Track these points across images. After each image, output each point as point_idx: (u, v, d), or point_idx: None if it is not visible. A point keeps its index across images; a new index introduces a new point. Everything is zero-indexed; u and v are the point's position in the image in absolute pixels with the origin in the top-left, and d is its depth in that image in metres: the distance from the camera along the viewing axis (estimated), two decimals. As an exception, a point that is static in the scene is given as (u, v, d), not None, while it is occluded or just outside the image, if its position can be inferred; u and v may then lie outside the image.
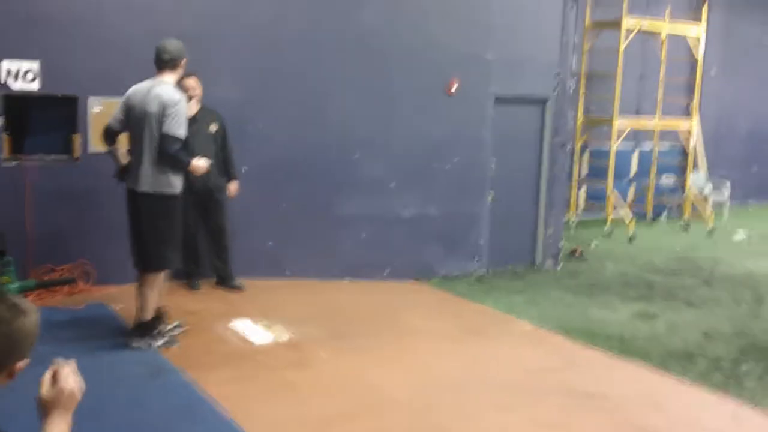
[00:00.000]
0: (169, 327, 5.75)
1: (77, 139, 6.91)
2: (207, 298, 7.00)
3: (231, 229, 7.35)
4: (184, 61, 5.51)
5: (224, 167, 7.06)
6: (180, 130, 5.30)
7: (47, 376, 2.12)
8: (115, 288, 6.95)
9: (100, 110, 6.91)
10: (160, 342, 5.57)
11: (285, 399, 4.82)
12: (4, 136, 6.65)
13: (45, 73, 6.68)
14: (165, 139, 5.27)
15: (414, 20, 8.29)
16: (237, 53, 7.37)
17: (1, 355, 2.06)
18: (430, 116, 8.45)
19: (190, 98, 6.38)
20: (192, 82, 6.56)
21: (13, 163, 6.71)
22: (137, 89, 5.48)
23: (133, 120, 5.43)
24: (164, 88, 5.38)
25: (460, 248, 8.86)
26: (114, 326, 6.01)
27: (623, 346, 6.36)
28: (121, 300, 6.61)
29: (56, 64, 6.72)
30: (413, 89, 8.32)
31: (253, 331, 6.10)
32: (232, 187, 7.18)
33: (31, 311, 2.14)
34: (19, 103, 6.71)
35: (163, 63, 5.44)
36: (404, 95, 8.28)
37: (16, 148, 6.80)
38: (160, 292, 5.68)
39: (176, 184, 5.45)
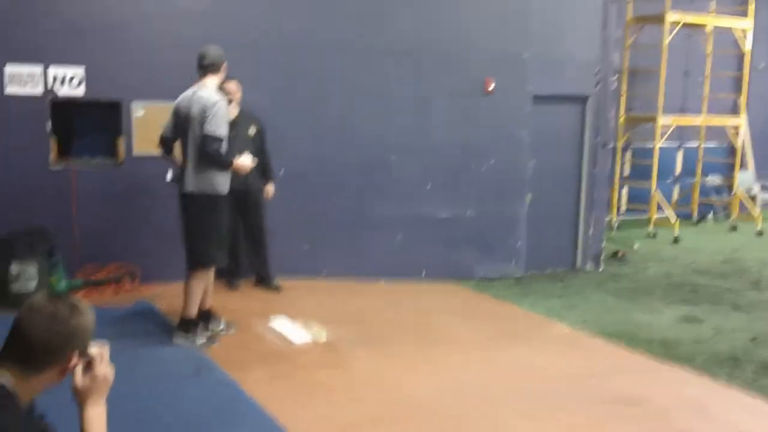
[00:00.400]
0: (219, 327, 5.88)
1: (121, 143, 7.05)
2: (246, 298, 7.09)
3: (268, 230, 7.43)
4: (224, 66, 5.70)
5: (262, 170, 7.14)
6: (219, 129, 5.46)
7: (80, 366, 2.22)
8: (160, 286, 7.09)
9: (142, 114, 7.05)
10: (201, 339, 5.69)
11: (319, 400, 4.85)
12: (52, 140, 6.80)
13: (90, 79, 6.83)
14: (205, 139, 5.44)
15: (448, 21, 8.26)
16: (274, 58, 7.45)
17: (57, 352, 2.15)
18: (466, 117, 8.42)
19: (230, 101, 6.47)
20: (232, 86, 6.66)
21: (60, 167, 6.86)
22: (183, 96, 5.69)
23: (180, 125, 5.63)
24: (204, 91, 5.56)
25: (498, 250, 8.81)
26: (159, 323, 6.13)
27: (667, 351, 6.26)
28: (166, 298, 6.74)
29: (100, 69, 6.88)
30: (449, 90, 8.30)
31: (291, 331, 6.15)
32: (270, 188, 7.26)
33: (88, 311, 2.24)
34: (65, 108, 6.87)
35: (204, 68, 5.63)
36: (440, 96, 8.27)
37: (63, 152, 6.98)
38: (207, 290, 5.82)
39: (221, 184, 5.61)
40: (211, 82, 5.64)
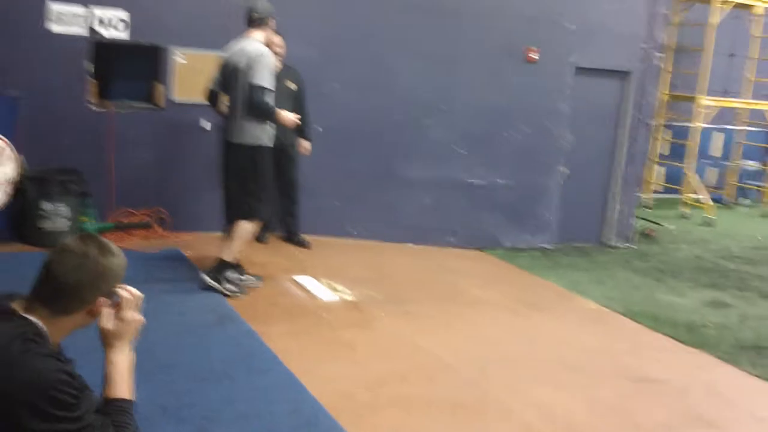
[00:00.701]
0: (246, 278, 5.91)
1: (160, 89, 7.07)
2: (274, 252, 7.13)
3: (300, 186, 7.44)
4: (270, 21, 5.74)
5: (299, 125, 7.11)
6: (264, 81, 5.51)
7: (108, 308, 2.22)
8: (189, 235, 7.17)
9: (183, 61, 7.05)
10: (230, 287, 5.73)
11: (343, 357, 4.90)
12: (92, 82, 6.84)
13: (134, 23, 6.83)
14: (252, 90, 5.50)
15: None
16: (313, 13, 7.39)
17: (86, 290, 2.14)
18: (505, 83, 8.34)
19: (275, 54, 6.47)
20: (278, 39, 6.63)
21: (99, 109, 6.90)
22: (229, 48, 5.75)
23: (226, 77, 5.70)
24: (251, 43, 5.62)
25: (527, 220, 8.78)
26: (186, 272, 6.18)
27: (690, 334, 6.24)
28: (194, 247, 6.83)
29: (145, 14, 6.87)
30: (488, 55, 8.21)
31: (316, 288, 6.20)
32: (306, 144, 7.26)
33: (119, 254, 2.23)
34: (107, 51, 6.88)
35: (251, 21, 5.70)
36: (479, 61, 8.18)
37: (103, 94, 7.01)
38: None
39: (265, 136, 5.67)
40: (258, 35, 5.69)
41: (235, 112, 5.65)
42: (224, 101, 5.85)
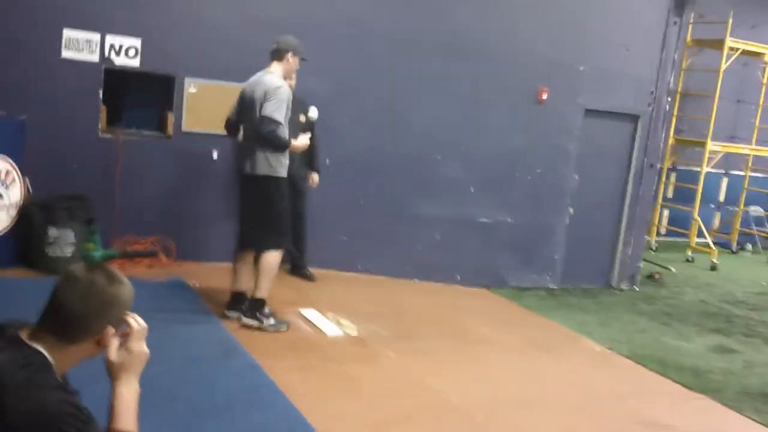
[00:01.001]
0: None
1: (171, 117, 7.08)
2: (279, 284, 6.96)
3: (308, 220, 7.41)
4: (290, 54, 5.77)
5: (308, 158, 7.12)
6: (277, 113, 5.54)
7: (115, 339, 2.18)
8: (194, 264, 7.12)
9: (194, 91, 7.07)
10: (270, 322, 5.75)
11: (348, 394, 4.84)
12: (102, 108, 6.85)
13: (146, 51, 6.86)
14: (262, 120, 5.54)
15: (507, 25, 8.22)
16: (328, 45, 7.41)
17: (94, 322, 2.11)
18: (515, 123, 8.37)
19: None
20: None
21: (108, 135, 6.91)
22: (249, 81, 5.81)
23: (243, 108, 5.76)
24: (268, 76, 5.68)
25: (534, 260, 8.75)
26: (191, 302, 6.15)
27: (696, 379, 6.19)
28: (199, 277, 6.78)
29: (157, 42, 6.90)
30: (500, 95, 8.24)
31: (322, 322, 6.14)
32: (315, 177, 7.25)
33: (127, 283, 2.21)
34: (118, 79, 6.91)
35: (271, 53, 5.78)
36: (491, 100, 8.20)
37: (112, 121, 7.02)
38: (243, 273, 5.90)
39: (281, 167, 5.69)
40: (277, 68, 5.74)
41: (250, 144, 5.68)
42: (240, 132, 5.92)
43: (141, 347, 2.21)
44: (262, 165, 5.63)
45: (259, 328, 5.70)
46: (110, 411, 2.16)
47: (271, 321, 5.77)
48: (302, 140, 5.82)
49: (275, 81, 5.62)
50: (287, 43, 5.77)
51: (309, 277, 7.35)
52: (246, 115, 5.72)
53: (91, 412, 2.11)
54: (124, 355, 2.18)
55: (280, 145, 5.62)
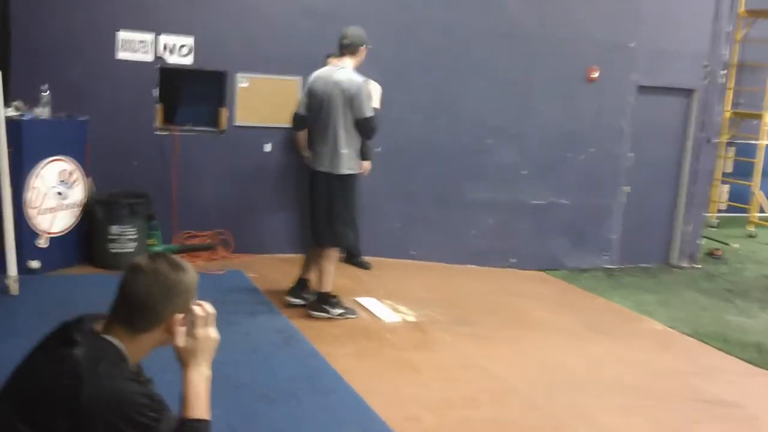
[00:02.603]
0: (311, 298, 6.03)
1: (224, 113, 7.21)
2: (336, 274, 7.09)
3: (361, 207, 7.46)
4: (362, 48, 5.77)
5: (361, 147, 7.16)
6: (369, 110, 5.62)
7: (182, 327, 2.23)
8: (251, 257, 7.27)
9: (246, 85, 7.18)
10: (338, 311, 5.85)
11: (408, 378, 4.89)
12: (158, 107, 7.01)
13: (198, 48, 6.99)
14: (360, 124, 5.62)
15: (554, 6, 8.14)
16: (379, 33, 7.39)
17: (161, 309, 2.17)
18: (567, 104, 8.29)
19: None
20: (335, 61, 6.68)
21: (165, 132, 7.07)
22: (319, 75, 5.78)
23: (317, 105, 5.72)
24: (343, 73, 5.65)
25: (590, 241, 8.67)
26: (250, 293, 6.28)
27: (762, 356, 6.07)
28: (257, 269, 6.93)
29: (208, 39, 7.02)
30: (551, 76, 8.17)
31: (379, 309, 6.21)
32: (367, 165, 7.28)
33: (191, 269, 2.26)
34: (172, 76, 7.06)
35: (342, 48, 5.75)
36: (542, 82, 8.15)
37: (168, 118, 7.18)
38: (311, 262, 6.00)
39: (354, 164, 5.75)
40: (349, 63, 5.72)
41: (327, 143, 5.65)
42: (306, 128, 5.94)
43: (207, 332, 2.24)
44: (341, 163, 5.65)
45: (329, 320, 5.79)
46: (182, 398, 2.21)
47: (339, 310, 5.86)
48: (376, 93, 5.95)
49: (355, 79, 5.61)
50: (360, 37, 5.74)
51: (364, 266, 7.42)
52: (322, 112, 5.66)
53: (164, 401, 2.18)
54: (191, 341, 2.22)
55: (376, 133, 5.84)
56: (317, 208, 5.83)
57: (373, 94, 5.88)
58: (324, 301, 5.85)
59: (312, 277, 6.04)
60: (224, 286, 6.32)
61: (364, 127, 5.64)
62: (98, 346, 2.11)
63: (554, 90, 8.20)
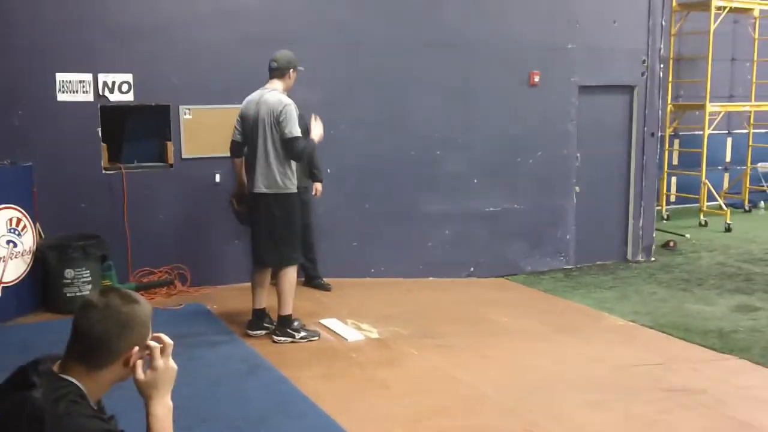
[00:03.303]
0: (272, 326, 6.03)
1: (170, 146, 7.15)
2: (297, 297, 7.07)
3: (317, 230, 7.46)
4: (292, 72, 5.87)
5: (309, 169, 7.17)
6: (295, 130, 5.65)
7: (140, 360, 2.22)
8: (210, 288, 7.23)
9: (190, 117, 7.15)
10: (302, 334, 5.85)
11: (377, 395, 4.88)
12: (103, 146, 6.93)
13: (138, 84, 6.94)
14: (289, 143, 5.65)
15: (493, 14, 8.25)
16: (319, 56, 7.47)
17: (114, 340, 2.14)
18: (511, 110, 8.39)
19: None
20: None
21: (112, 171, 6.99)
22: (249, 100, 5.87)
23: (248, 129, 5.81)
24: (272, 94, 5.74)
25: (546, 244, 8.76)
26: (211, 324, 6.24)
27: (722, 341, 6.19)
28: (217, 300, 6.88)
29: (148, 75, 6.98)
30: (494, 83, 8.27)
31: (343, 328, 6.19)
32: (318, 187, 7.30)
33: (143, 301, 2.25)
34: (115, 114, 6.99)
35: (272, 71, 5.85)
36: (485, 90, 8.24)
37: (114, 157, 7.10)
38: (262, 290, 6.00)
39: (292, 183, 5.79)
40: (278, 85, 5.80)
41: (259, 163, 5.72)
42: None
43: (167, 363, 2.24)
44: (275, 182, 5.70)
45: (292, 343, 5.79)
46: (147, 431, 2.21)
47: (303, 333, 5.87)
48: (317, 129, 5.85)
49: (282, 99, 5.69)
50: (288, 60, 5.84)
51: (324, 287, 7.40)
52: (253, 133, 5.75)
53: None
54: (152, 373, 2.22)
55: (311, 153, 5.95)
56: (258, 229, 5.86)
57: (314, 128, 5.91)
58: (287, 324, 5.85)
59: (266, 304, 6.02)
60: (185, 320, 6.27)
61: (290, 148, 5.67)
62: (57, 387, 2.09)
63: (498, 97, 8.30)
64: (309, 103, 7.12)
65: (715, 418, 4.68)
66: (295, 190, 5.84)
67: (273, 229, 5.78)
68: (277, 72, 5.80)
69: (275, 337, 5.83)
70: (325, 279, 7.48)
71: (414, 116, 7.98)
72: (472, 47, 8.11)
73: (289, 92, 6.43)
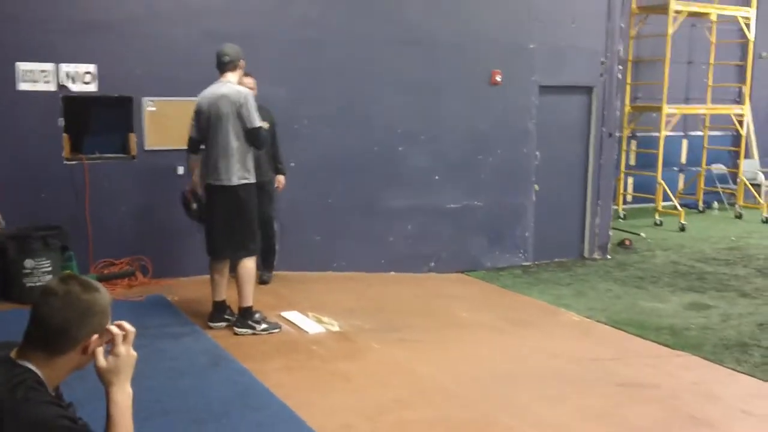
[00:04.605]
0: (233, 318, 6.05)
1: (133, 138, 7.11)
2: (257, 291, 7.10)
3: (279, 224, 7.49)
4: (242, 62, 5.90)
5: (273, 162, 7.20)
6: (256, 121, 5.72)
7: (101, 347, 2.23)
8: (172, 280, 7.21)
9: (154, 110, 7.11)
10: (262, 326, 5.87)
11: (339, 388, 4.93)
12: (65, 137, 6.87)
13: (101, 75, 6.89)
14: (252, 133, 5.69)
15: (455, 12, 8.32)
16: (283, 51, 7.50)
17: (74, 328, 2.15)
18: (473, 108, 8.49)
19: None
20: (249, 81, 6.68)
21: (74, 162, 6.93)
22: (204, 95, 5.87)
23: (204, 123, 5.81)
24: (229, 86, 5.76)
25: (506, 240, 8.89)
26: (173, 316, 6.24)
27: (675, 338, 6.34)
28: (178, 292, 6.88)
29: (112, 66, 6.93)
30: (456, 82, 8.36)
31: (304, 321, 6.23)
32: (281, 179, 7.32)
33: (103, 289, 2.26)
34: (77, 105, 6.93)
35: (224, 65, 5.84)
36: (447, 88, 8.32)
37: (76, 148, 7.04)
38: (220, 283, 6.01)
39: (250, 174, 5.83)
40: (232, 77, 5.83)
41: (217, 155, 5.73)
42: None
43: (128, 350, 2.26)
44: (234, 174, 5.73)
45: (253, 335, 5.81)
46: (107, 418, 2.22)
47: (263, 325, 5.90)
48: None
49: (240, 90, 5.74)
50: (237, 52, 5.86)
51: (264, 281, 7.28)
52: (212, 127, 5.75)
53: (87, 423, 2.19)
54: (113, 360, 2.23)
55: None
56: (215, 221, 5.88)
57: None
58: (248, 316, 5.87)
59: (225, 296, 6.03)
60: (146, 312, 6.25)
61: (254, 137, 5.74)
62: (14, 373, 2.10)
63: (460, 94, 8.39)
64: (273, 98, 7.17)
65: (668, 412, 4.81)
66: (254, 181, 5.87)
67: (231, 221, 5.81)
68: (230, 65, 5.82)
69: (236, 329, 5.86)
70: (289, 272, 7.46)
71: (377, 112, 8.04)
72: (436, 45, 8.20)
73: (256, 90, 6.49)
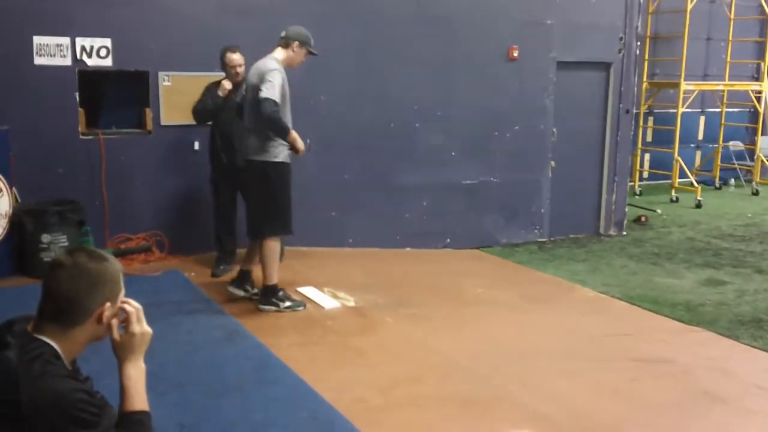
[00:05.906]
0: (254, 290, 6.10)
1: (149, 113, 7.12)
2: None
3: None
4: (296, 44, 5.80)
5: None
6: (273, 95, 5.46)
7: (116, 321, 2.25)
8: (188, 256, 7.23)
9: (169, 84, 7.11)
10: (286, 304, 5.87)
11: (353, 362, 4.96)
12: (80, 111, 6.89)
13: (117, 50, 6.89)
14: (262, 103, 5.47)
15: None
16: (308, 27, 7.44)
17: (85, 298, 2.16)
18: (490, 84, 8.45)
19: (230, 73, 6.60)
20: (236, 57, 6.58)
21: (90, 137, 6.96)
22: (252, 67, 5.87)
23: (248, 96, 5.81)
24: (265, 59, 5.72)
25: (522, 217, 8.88)
26: (189, 292, 6.27)
27: (690, 314, 6.34)
28: (194, 268, 6.91)
29: (128, 40, 6.93)
30: (473, 57, 8.32)
31: (319, 296, 6.26)
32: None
33: (112, 259, 2.26)
34: (93, 79, 6.94)
35: (279, 39, 5.83)
36: (464, 63, 8.29)
37: (92, 123, 7.06)
38: (252, 254, 6.02)
39: (278, 152, 5.66)
40: (279, 53, 5.77)
41: (252, 129, 5.70)
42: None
43: (142, 327, 2.28)
44: (257, 150, 5.66)
45: (277, 312, 5.82)
46: (121, 392, 2.25)
47: (288, 303, 5.88)
48: (301, 143, 5.72)
49: (271, 64, 5.62)
50: (296, 33, 5.81)
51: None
52: (248, 101, 5.73)
53: (104, 397, 2.22)
54: (128, 336, 2.26)
55: (281, 128, 5.57)
56: (246, 198, 5.88)
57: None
58: (272, 294, 5.85)
59: (254, 268, 6.04)
60: (163, 287, 6.29)
61: (260, 107, 5.47)
62: (31, 347, 2.11)
63: (477, 71, 8.35)
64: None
65: (682, 387, 4.81)
66: (283, 160, 5.71)
67: (256, 198, 5.78)
68: (282, 41, 5.79)
69: (260, 306, 5.85)
70: (304, 247, 7.47)
71: (394, 88, 8.01)
72: (453, 20, 8.14)
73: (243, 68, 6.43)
